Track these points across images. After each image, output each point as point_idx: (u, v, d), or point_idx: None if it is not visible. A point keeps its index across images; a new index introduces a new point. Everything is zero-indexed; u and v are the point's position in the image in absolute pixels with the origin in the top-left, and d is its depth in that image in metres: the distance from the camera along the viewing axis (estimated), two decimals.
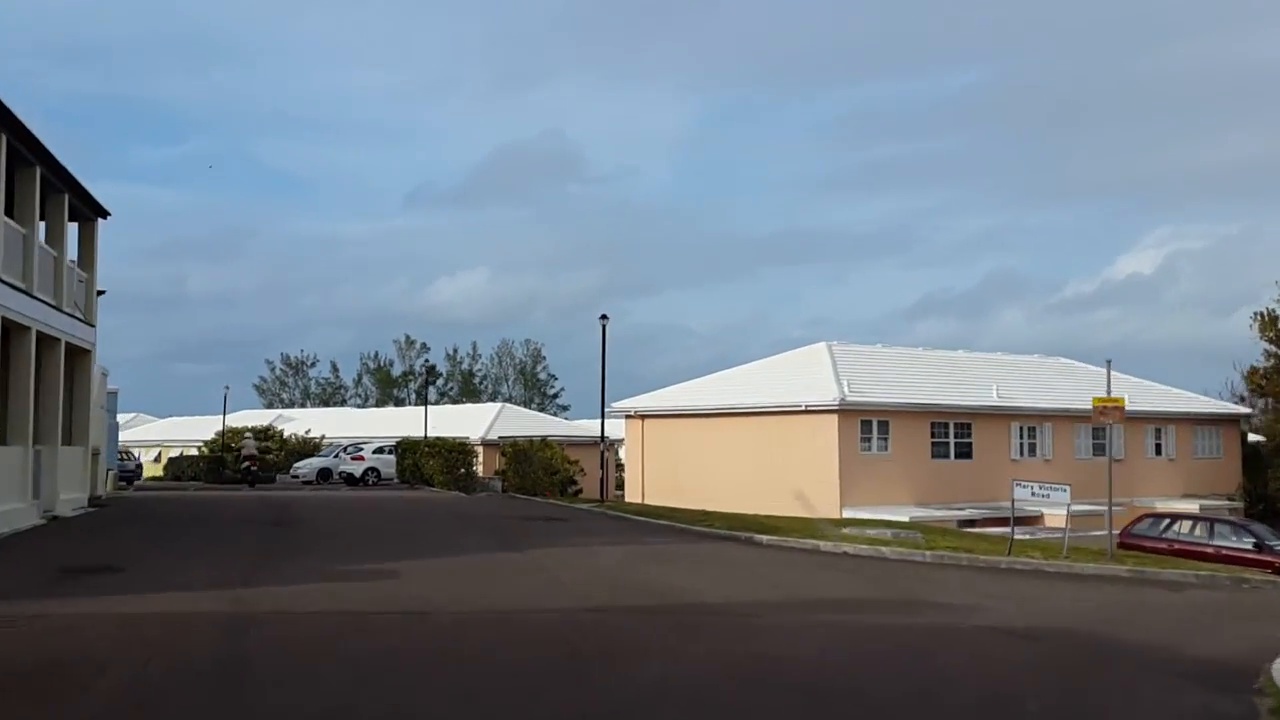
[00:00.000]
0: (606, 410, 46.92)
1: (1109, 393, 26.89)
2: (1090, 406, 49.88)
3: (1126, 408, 50.38)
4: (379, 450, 54.90)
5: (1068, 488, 24.73)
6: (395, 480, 52.93)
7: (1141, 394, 49.91)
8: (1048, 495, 24.94)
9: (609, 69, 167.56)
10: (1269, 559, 31.36)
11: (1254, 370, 49.81)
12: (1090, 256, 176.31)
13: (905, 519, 36.73)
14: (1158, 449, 49.47)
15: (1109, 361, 26.19)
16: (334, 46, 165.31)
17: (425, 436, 53.43)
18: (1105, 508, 43.53)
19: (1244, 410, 52.08)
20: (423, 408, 64.37)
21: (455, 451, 47.82)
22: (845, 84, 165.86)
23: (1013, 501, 25.78)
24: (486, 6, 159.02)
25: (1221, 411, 51.46)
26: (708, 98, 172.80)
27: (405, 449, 52.28)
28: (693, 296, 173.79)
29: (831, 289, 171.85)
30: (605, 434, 42.96)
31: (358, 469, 53.79)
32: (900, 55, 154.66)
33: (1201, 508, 45.70)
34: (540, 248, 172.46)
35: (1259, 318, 48.53)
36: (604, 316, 39.23)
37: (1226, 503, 47.81)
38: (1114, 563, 24.29)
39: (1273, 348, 48.47)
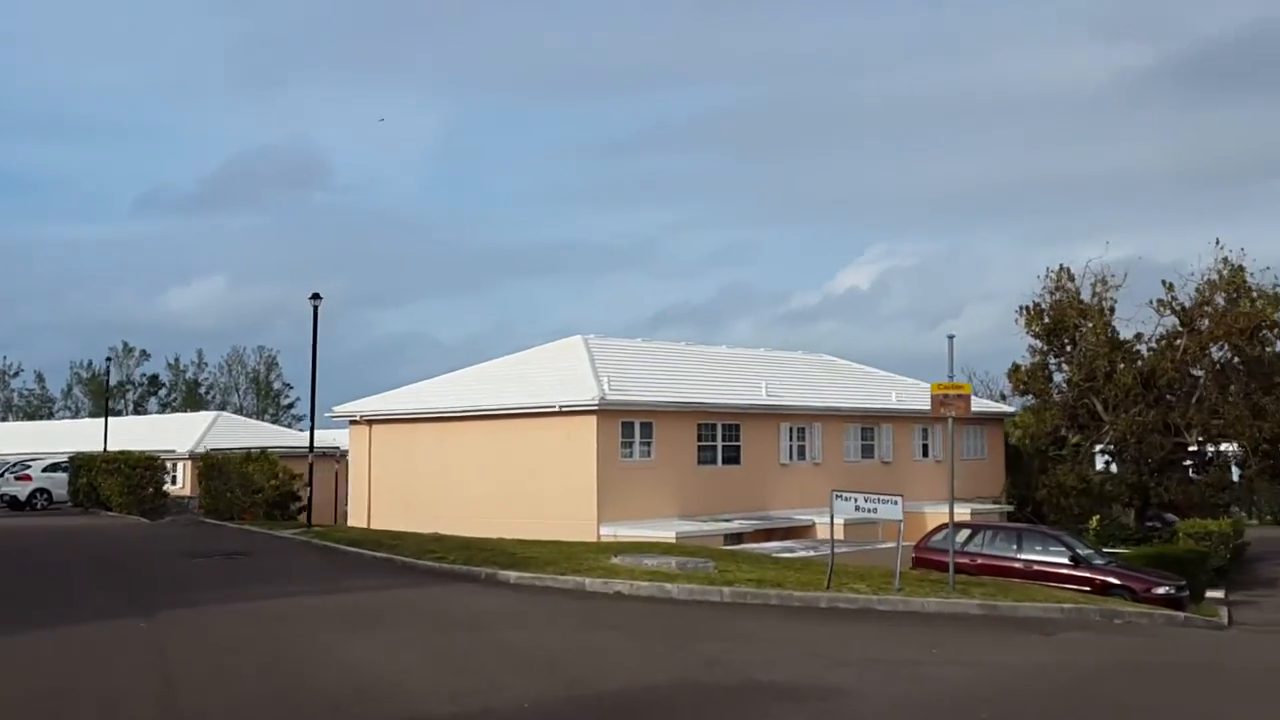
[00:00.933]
0: (329, 415, 38.81)
1: (951, 375, 20.95)
2: (858, 406, 45.86)
3: (896, 406, 46.43)
4: (51, 468, 44.71)
5: (899, 499, 18.90)
6: (69, 503, 42.98)
7: (910, 393, 45.77)
8: (875, 509, 19.00)
9: (359, 74, 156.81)
10: (1086, 574, 26.62)
11: (1016, 368, 46.32)
12: (815, 271, 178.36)
13: (671, 535, 30.50)
14: (925, 450, 45.29)
15: (951, 338, 20.59)
16: (63, 39, 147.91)
17: (104, 450, 43.60)
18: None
19: (1008, 409, 48.70)
20: (136, 418, 53.91)
21: (140, 468, 38.58)
22: (594, 98, 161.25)
23: (832, 517, 19.71)
24: (231, 3, 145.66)
25: (987, 411, 47.78)
26: (459, 107, 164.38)
27: (79, 466, 42.40)
28: (439, 307, 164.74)
29: (575, 300, 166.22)
30: (314, 442, 35.17)
31: (23, 490, 43.52)
32: (647, 73, 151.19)
33: (973, 512, 41.50)
34: (282, 256, 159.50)
35: (1025, 311, 45.08)
36: (315, 296, 31.40)
37: (994, 506, 43.98)
38: (959, 595, 18.51)
39: (1038, 343, 45.12)
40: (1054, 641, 15.46)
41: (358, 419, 38.55)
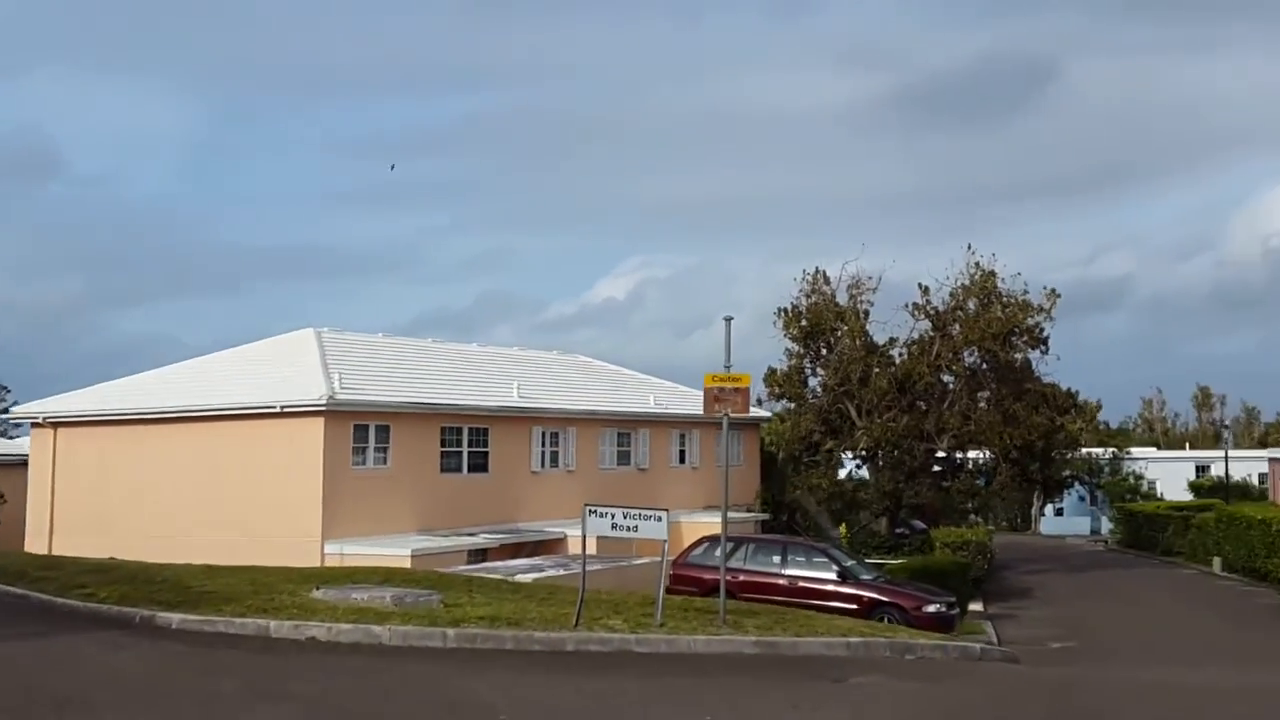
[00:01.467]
0: (6, 416, 32.47)
1: (729, 366, 17.65)
2: (615, 410, 42.70)
3: (655, 410, 43.58)
4: None
5: (663, 515, 15.52)
6: None
7: (668, 396, 43.02)
8: (635, 527, 15.53)
9: (102, 63, 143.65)
10: (854, 591, 24.11)
11: (773, 372, 44.25)
12: (573, 280, 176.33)
13: (406, 553, 26.38)
14: (682, 456, 42.59)
15: (729, 320, 17.32)
16: None
17: None
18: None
19: (764, 414, 46.64)
20: None
21: None
22: (355, 99, 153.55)
23: (584, 538, 16.10)
24: None
25: (742, 416, 45.64)
26: (215, 103, 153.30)
27: None
28: (187, 308, 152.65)
29: (333, 304, 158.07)
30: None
31: None
32: (408, 76, 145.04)
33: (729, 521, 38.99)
34: (9, 252, 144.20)
35: (783, 314, 43.10)
36: None
37: (749, 514, 41.72)
38: (731, 629, 15.24)
39: (796, 346, 43.21)
40: (848, 694, 12.38)
41: (40, 421, 32.38)
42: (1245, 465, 61.64)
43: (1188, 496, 57.61)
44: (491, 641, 13.74)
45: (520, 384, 36.70)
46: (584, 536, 15.85)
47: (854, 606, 23.76)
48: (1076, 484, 64.42)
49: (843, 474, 47.08)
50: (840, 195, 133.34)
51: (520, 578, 24.23)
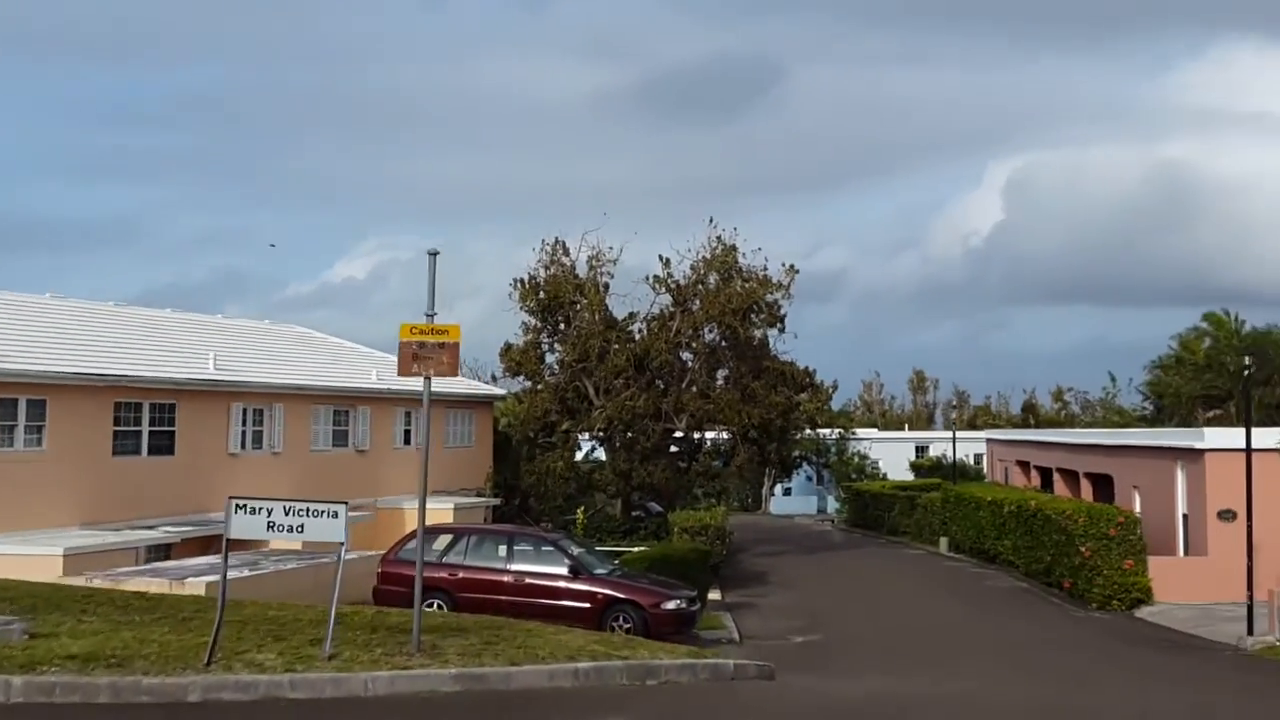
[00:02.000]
0: None
1: (432, 315, 13.56)
2: (331, 385, 37.71)
3: (377, 386, 39.01)
4: None
5: (341, 509, 11.53)
6: None
7: (391, 370, 38.72)
8: (302, 526, 11.42)
9: None
10: (588, 587, 20.84)
11: (509, 347, 40.54)
12: (313, 260, 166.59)
13: (57, 552, 21.25)
14: (407, 437, 38.30)
15: (434, 255, 13.22)
16: None
17: None
18: (365, 515, 31.55)
19: (498, 392, 42.95)
20: None
21: None
22: (73, 65, 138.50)
23: (225, 544, 11.81)
24: None
25: (475, 394, 41.75)
26: None
27: None
28: None
29: (50, 280, 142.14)
30: None
31: None
32: (137, 43, 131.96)
33: (456, 506, 35.17)
34: None
35: (520, 285, 39.49)
36: None
37: (479, 499, 37.99)
38: (426, 657, 11.42)
39: (533, 320, 39.70)
40: None
41: None
42: (963, 446, 62.86)
43: (909, 476, 58.04)
44: (78, 694, 9.49)
45: (219, 355, 31.45)
46: (225, 542, 11.62)
47: (587, 605, 20.53)
48: (805, 464, 64.18)
49: (582, 456, 44.01)
50: (582, 184, 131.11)
51: (191, 583, 19.64)
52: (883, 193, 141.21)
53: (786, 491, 66.08)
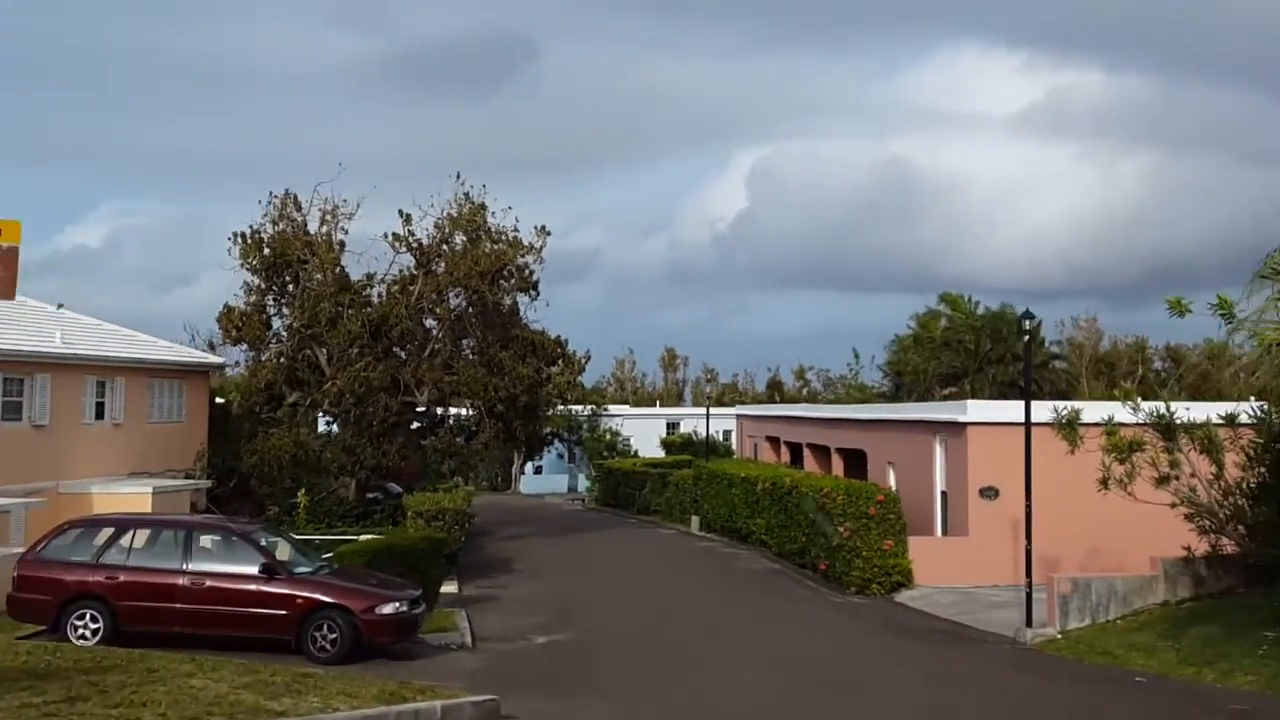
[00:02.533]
0: None
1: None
2: (4, 348, 31.19)
3: (60, 350, 32.78)
4: None
5: None
6: None
7: (85, 334, 32.66)
8: None
9: None
10: (286, 590, 16.70)
11: (229, 310, 35.18)
12: (41, 224, 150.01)
13: None
14: (100, 410, 32.43)
15: None
16: None
17: None
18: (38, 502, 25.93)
19: (216, 360, 37.41)
20: None
21: None
22: None
23: None
24: None
25: (187, 362, 36.08)
26: None
27: None
28: None
29: None
30: None
31: None
32: None
33: (155, 490, 29.98)
34: None
35: (241, 239, 34.19)
36: None
37: (187, 482, 32.73)
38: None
39: (257, 280, 34.54)
40: None
41: None
42: (714, 422, 61.38)
43: (660, 453, 55.87)
44: None
45: None
46: None
47: (284, 613, 16.44)
48: (556, 441, 61.10)
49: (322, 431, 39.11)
50: (332, 156, 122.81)
51: None
52: (636, 176, 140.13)
53: (538, 470, 62.87)
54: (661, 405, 75.46)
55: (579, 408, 61.29)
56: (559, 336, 35.22)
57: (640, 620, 21.15)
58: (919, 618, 21.30)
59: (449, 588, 24.73)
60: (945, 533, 26.21)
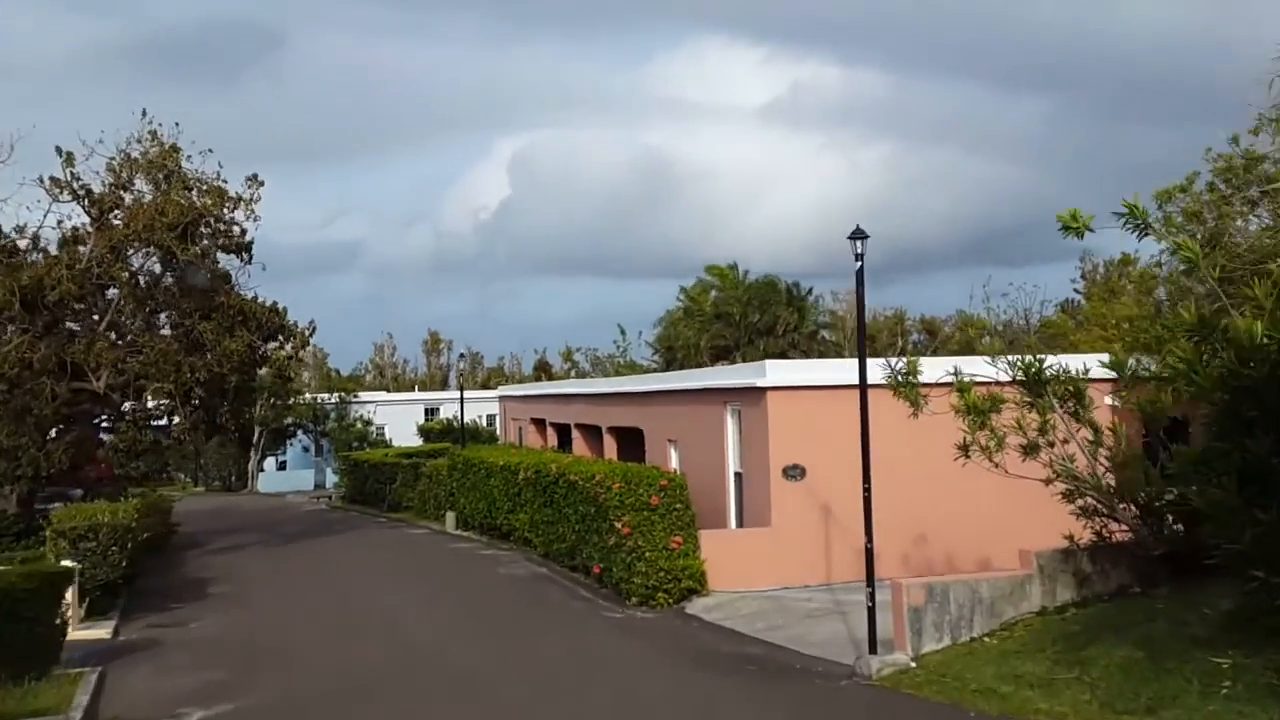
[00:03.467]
0: None
1: None
2: None
3: None
4: None
5: None
6: None
7: None
8: None
9: None
10: None
11: None
12: None
13: None
14: None
15: None
16: None
17: None
18: None
19: None
20: None
21: None
22: None
23: None
24: None
25: None
26: None
27: None
28: None
29: None
30: None
31: None
32: None
33: None
34: None
35: None
36: None
37: None
38: None
39: None
40: None
41: None
42: (476, 406, 55.08)
43: (419, 441, 48.97)
44: None
45: None
46: None
47: None
48: (300, 433, 53.28)
49: None
50: (65, 143, 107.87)
51: None
52: (395, 166, 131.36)
53: (282, 465, 54.75)
54: (423, 390, 68.42)
55: (326, 396, 53.68)
56: (276, 304, 28.14)
57: (360, 669, 14.90)
58: (722, 637, 16.00)
59: (98, 632, 17.71)
60: (741, 524, 21.15)
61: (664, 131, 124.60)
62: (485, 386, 63.68)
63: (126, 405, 26.35)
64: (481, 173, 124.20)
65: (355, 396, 53.67)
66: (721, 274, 56.01)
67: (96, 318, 26.71)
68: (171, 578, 24.29)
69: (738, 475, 21.59)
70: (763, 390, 19.76)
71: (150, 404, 26.58)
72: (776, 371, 20.00)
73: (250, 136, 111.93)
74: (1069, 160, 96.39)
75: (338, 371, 58.41)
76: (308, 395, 51.58)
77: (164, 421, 26.88)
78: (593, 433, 32.55)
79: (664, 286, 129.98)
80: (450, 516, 31.82)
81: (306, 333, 27.94)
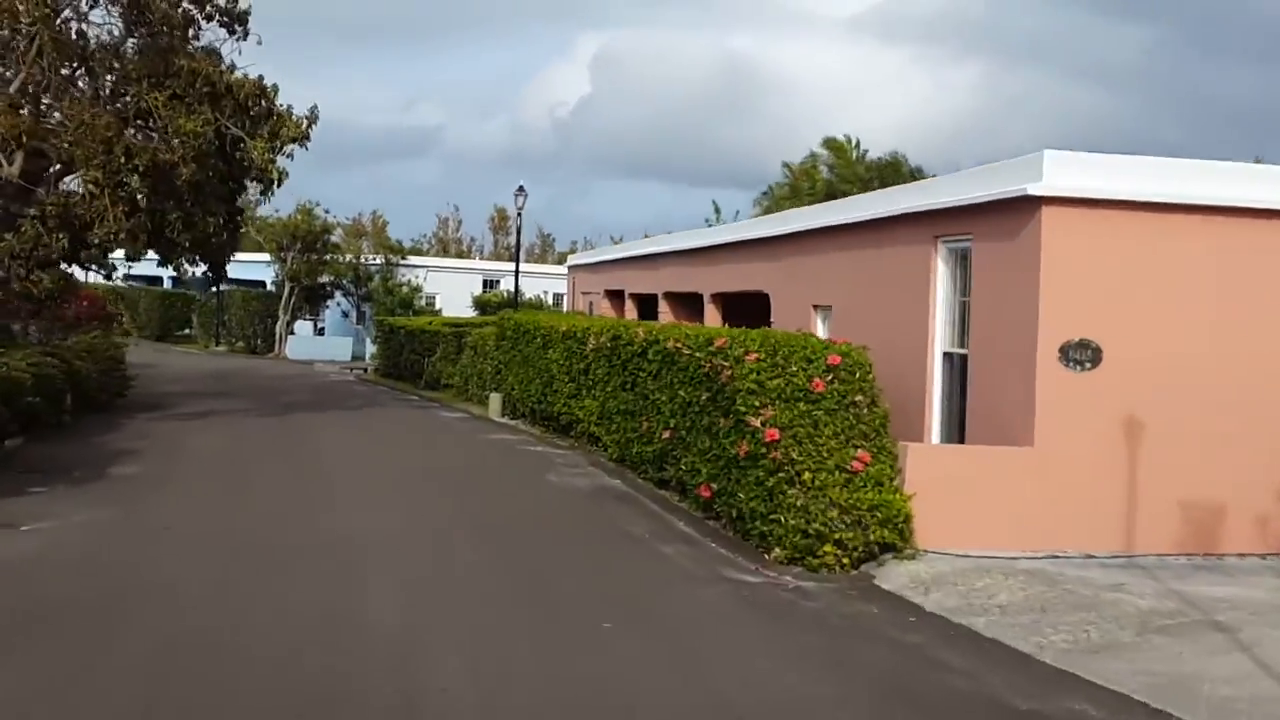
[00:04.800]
0: None
1: None
2: None
3: None
4: None
5: None
6: None
7: None
8: None
9: None
10: None
11: None
12: None
13: None
14: None
15: None
16: None
17: None
18: None
19: None
20: None
21: None
22: None
23: None
24: None
25: None
26: None
27: None
28: None
29: None
30: None
31: None
32: None
33: None
34: None
35: None
36: None
37: None
38: None
39: None
40: None
41: None
42: (541, 282, 46.75)
43: (472, 314, 40.61)
44: None
45: None
46: None
47: None
48: (339, 294, 45.38)
49: None
50: None
51: None
52: (478, 53, 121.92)
53: (320, 332, 47.03)
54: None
55: (372, 258, 45.63)
56: (260, 78, 19.42)
57: (246, 686, 6.57)
58: (983, 661, 7.36)
59: None
60: (958, 438, 12.34)
61: (749, 37, 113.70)
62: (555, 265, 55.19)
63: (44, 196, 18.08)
64: (562, 68, 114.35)
65: (401, 258, 45.44)
66: (839, 148, 46.47)
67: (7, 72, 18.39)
68: (77, 445, 16.35)
69: (950, 358, 12.74)
70: (1035, 203, 10.73)
71: (76, 193, 18.20)
72: (1063, 169, 10.82)
73: (345, 9, 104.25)
74: (1163, 94, 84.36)
75: (398, 242, 50.35)
76: (348, 256, 43.53)
77: (97, 232, 18.51)
78: (689, 303, 23.89)
79: (734, 196, 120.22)
80: (495, 399, 23.53)
81: (304, 123, 19.28)
